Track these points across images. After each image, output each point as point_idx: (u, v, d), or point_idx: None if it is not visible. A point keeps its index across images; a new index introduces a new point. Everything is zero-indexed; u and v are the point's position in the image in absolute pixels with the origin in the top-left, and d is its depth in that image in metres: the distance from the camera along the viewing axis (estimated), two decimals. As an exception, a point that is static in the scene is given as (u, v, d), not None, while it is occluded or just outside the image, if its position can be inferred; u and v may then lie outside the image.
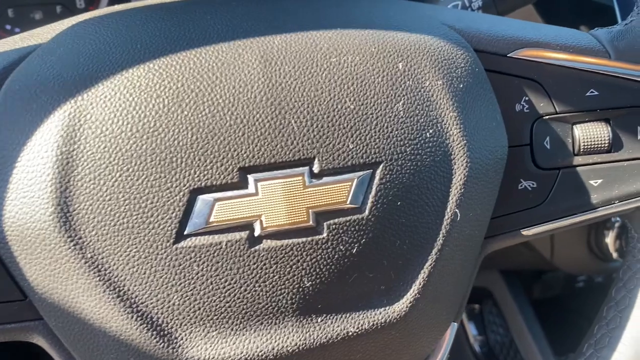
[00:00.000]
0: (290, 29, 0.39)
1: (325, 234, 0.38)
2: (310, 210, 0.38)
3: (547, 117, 0.45)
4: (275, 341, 0.39)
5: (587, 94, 0.45)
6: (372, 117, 0.39)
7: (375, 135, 0.39)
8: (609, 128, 0.46)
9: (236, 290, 0.38)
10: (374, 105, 0.39)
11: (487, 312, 1.20)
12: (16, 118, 0.36)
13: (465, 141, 0.41)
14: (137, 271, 0.36)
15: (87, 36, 0.39)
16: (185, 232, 0.36)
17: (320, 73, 0.38)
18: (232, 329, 0.38)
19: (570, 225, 0.47)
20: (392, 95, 0.39)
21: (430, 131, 0.40)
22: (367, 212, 0.39)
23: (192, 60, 0.37)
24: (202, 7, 0.41)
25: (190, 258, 0.37)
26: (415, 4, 0.45)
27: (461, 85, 0.41)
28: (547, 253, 0.91)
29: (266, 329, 0.39)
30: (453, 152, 0.41)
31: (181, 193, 0.36)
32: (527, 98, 0.45)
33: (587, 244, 0.90)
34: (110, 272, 0.36)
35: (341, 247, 0.39)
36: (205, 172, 0.36)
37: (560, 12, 0.74)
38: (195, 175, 0.36)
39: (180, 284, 0.37)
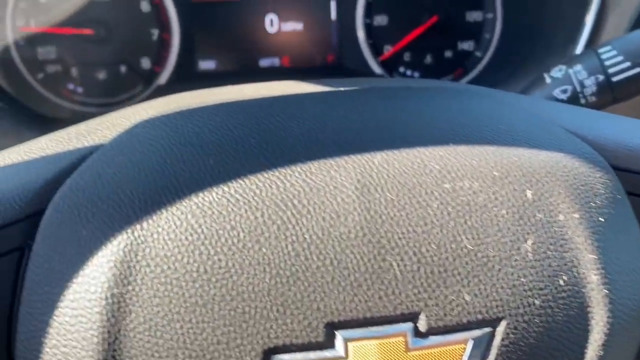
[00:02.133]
0: (390, 143, 0.32)
1: None
2: (413, 380, 0.30)
3: None
4: None
5: None
6: (495, 260, 0.31)
7: (497, 283, 0.31)
8: None
9: None
10: (496, 244, 0.31)
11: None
12: (63, 247, 0.30)
13: (606, 290, 0.32)
14: None
15: (149, 143, 0.33)
16: None
17: (431, 203, 0.31)
18: None
19: None
20: (519, 232, 0.31)
21: (565, 278, 0.32)
22: None
23: (275, 182, 0.30)
24: (283, 108, 0.34)
25: None
26: (520, 100, 0.37)
27: (600, 219, 0.33)
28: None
29: None
30: (590, 304, 0.32)
31: (253, 353, 0.29)
32: None
33: None
34: None
35: None
36: (284, 328, 0.29)
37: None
38: (272, 331, 0.29)
39: None
